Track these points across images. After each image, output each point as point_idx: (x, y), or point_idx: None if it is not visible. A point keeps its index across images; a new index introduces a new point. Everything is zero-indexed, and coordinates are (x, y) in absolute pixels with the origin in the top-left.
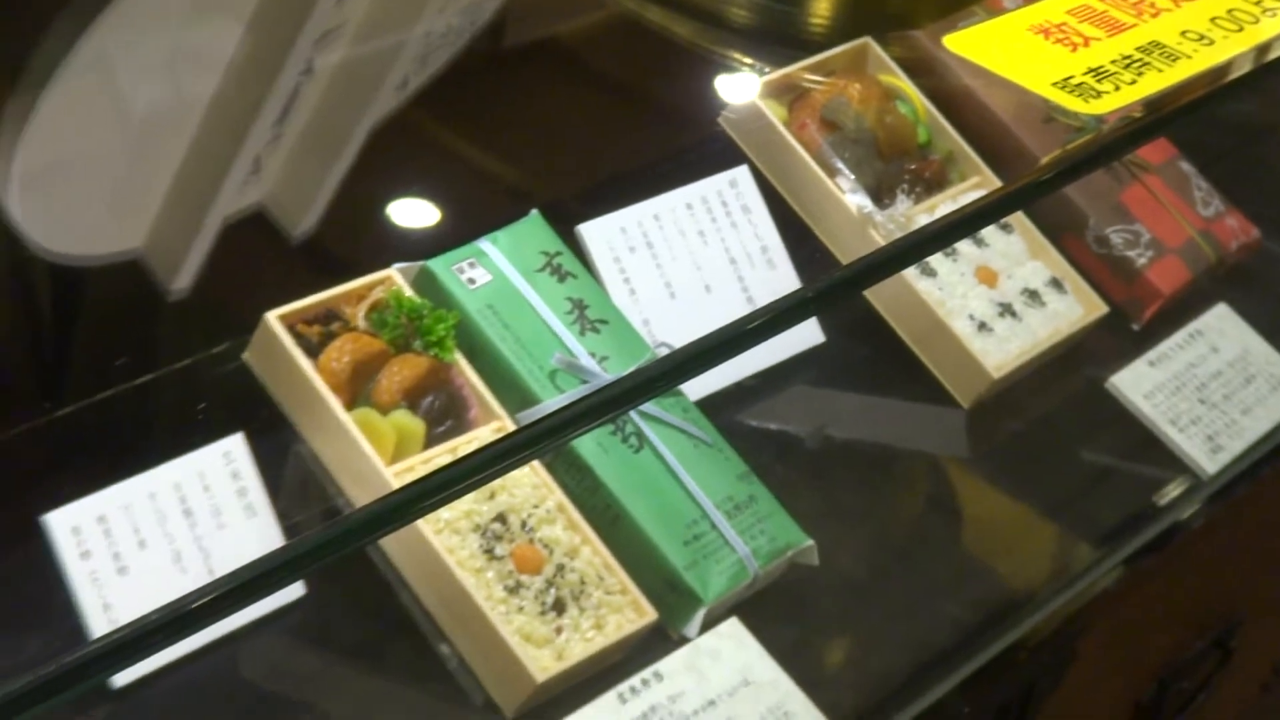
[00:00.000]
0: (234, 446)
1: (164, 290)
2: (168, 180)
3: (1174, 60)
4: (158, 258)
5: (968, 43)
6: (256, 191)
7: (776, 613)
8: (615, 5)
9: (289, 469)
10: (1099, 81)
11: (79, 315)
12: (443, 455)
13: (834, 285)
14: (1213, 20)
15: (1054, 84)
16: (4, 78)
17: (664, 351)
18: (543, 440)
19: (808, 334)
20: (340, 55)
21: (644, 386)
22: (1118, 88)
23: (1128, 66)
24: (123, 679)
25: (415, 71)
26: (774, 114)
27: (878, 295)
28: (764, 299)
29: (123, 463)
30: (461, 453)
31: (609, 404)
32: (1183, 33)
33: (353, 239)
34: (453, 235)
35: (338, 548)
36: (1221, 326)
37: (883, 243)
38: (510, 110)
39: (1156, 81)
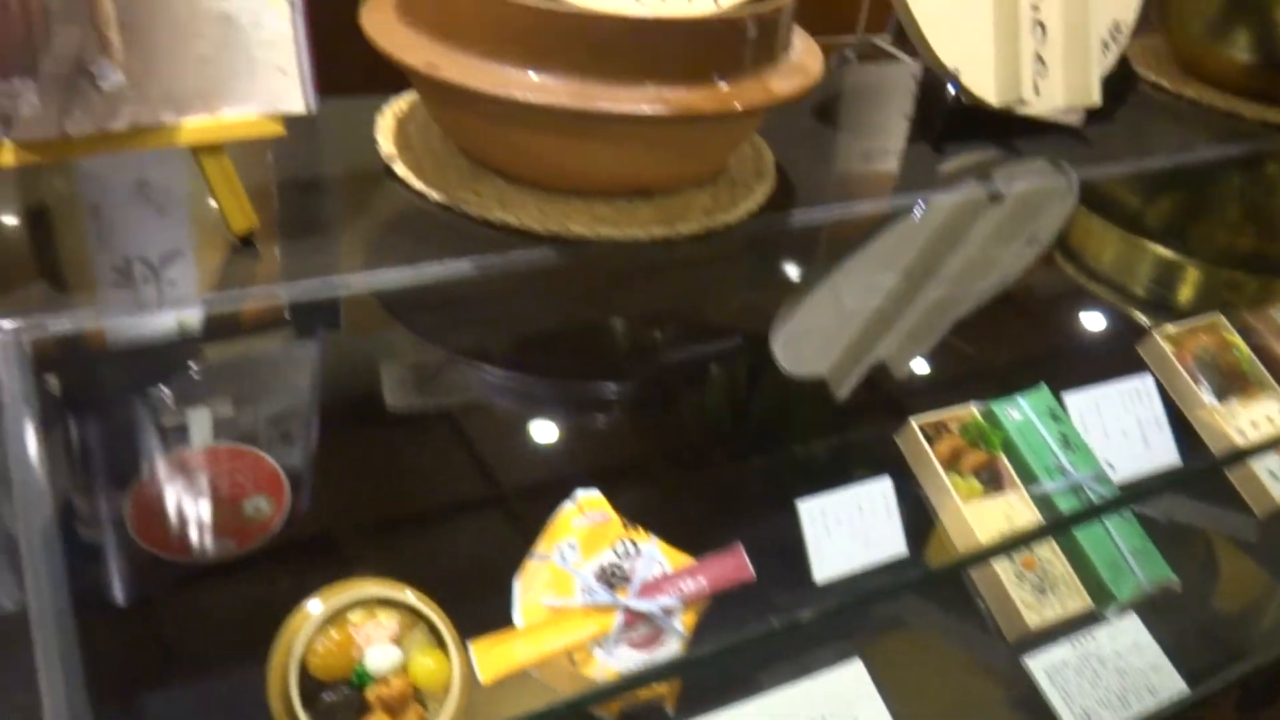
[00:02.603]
0: (885, 484)
1: None
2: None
3: None
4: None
5: None
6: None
7: None
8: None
9: (909, 503)
10: None
11: None
12: (986, 502)
13: (1208, 465)
14: None
15: None
16: None
17: (1106, 468)
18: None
19: (1169, 456)
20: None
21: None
22: None
23: None
24: None
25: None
26: (1170, 351)
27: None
28: (1160, 457)
29: None
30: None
31: (1077, 489)
32: None
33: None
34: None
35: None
36: None
37: (1230, 433)
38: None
39: None
